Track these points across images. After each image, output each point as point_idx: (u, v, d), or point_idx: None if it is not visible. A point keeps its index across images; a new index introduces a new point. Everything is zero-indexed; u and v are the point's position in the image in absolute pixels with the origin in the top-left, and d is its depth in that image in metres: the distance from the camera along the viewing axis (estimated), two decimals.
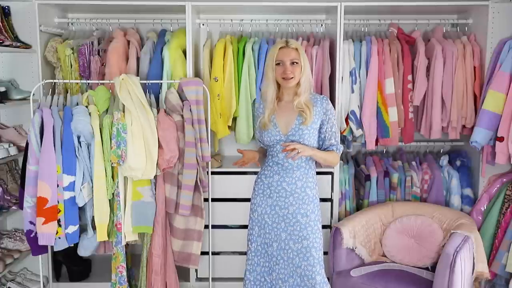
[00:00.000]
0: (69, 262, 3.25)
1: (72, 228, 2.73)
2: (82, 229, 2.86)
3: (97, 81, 3.08)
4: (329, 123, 2.50)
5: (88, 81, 3.07)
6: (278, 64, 2.42)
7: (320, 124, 2.50)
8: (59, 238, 2.71)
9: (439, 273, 2.54)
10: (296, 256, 2.49)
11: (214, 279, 3.19)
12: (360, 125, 3.12)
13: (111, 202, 2.83)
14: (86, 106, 2.80)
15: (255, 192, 2.60)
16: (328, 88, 3.10)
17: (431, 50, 3.13)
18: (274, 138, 2.48)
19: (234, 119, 3.26)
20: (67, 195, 2.68)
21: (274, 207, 2.52)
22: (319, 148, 2.54)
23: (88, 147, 2.76)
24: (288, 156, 2.37)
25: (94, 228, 2.83)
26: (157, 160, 2.80)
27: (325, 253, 3.16)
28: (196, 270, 3.22)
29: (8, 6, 3.12)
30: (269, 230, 2.54)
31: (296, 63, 2.41)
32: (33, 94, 2.92)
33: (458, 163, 3.32)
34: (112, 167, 2.77)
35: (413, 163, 3.34)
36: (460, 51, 3.11)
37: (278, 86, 2.51)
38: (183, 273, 3.17)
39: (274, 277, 2.55)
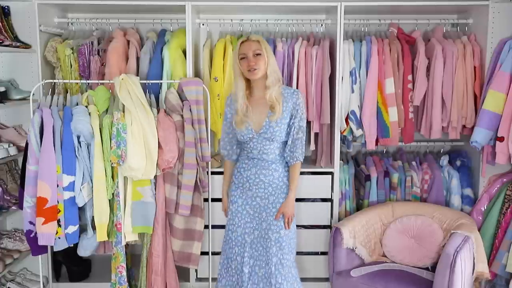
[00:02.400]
0: (69, 262, 3.25)
1: (72, 228, 2.73)
2: (82, 229, 2.86)
3: (97, 81, 3.08)
4: (297, 117, 2.53)
5: (88, 81, 3.07)
6: (242, 58, 2.46)
7: (290, 117, 2.53)
8: (59, 238, 2.71)
9: (439, 273, 2.53)
10: (274, 246, 2.53)
11: (214, 279, 3.18)
12: (360, 125, 3.12)
13: (111, 202, 2.83)
14: (86, 106, 2.80)
15: (235, 185, 2.65)
16: (328, 88, 3.10)
17: (431, 50, 3.13)
18: (247, 136, 2.52)
19: None
20: (67, 195, 2.68)
21: (255, 198, 2.59)
22: (286, 141, 2.57)
23: (88, 147, 2.76)
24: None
25: (94, 228, 2.83)
26: (157, 160, 2.80)
27: (325, 253, 3.17)
28: (196, 270, 3.22)
29: (8, 6, 3.12)
30: (250, 219, 2.60)
31: (259, 54, 2.44)
32: (33, 94, 2.92)
33: (458, 163, 3.31)
34: (112, 167, 2.77)
35: (413, 163, 3.34)
36: (460, 51, 3.11)
37: (248, 83, 2.53)
38: (183, 273, 3.17)
39: (251, 265, 2.60)
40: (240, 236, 2.63)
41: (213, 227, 3.14)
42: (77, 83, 3.17)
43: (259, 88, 2.52)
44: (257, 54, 2.44)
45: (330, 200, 3.20)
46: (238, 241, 2.63)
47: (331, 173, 3.17)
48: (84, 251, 2.88)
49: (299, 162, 2.57)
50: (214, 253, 3.18)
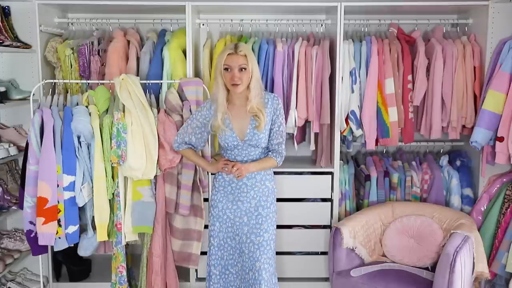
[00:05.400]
0: (69, 262, 3.25)
1: (72, 228, 2.73)
2: (82, 229, 2.87)
3: (97, 81, 3.08)
4: (276, 122, 2.53)
5: (88, 81, 3.08)
6: (226, 69, 2.42)
7: (271, 123, 2.53)
8: (59, 238, 2.72)
9: (439, 273, 2.54)
10: (257, 250, 2.51)
11: None
12: (360, 125, 3.12)
13: (111, 202, 2.83)
14: (86, 106, 2.81)
15: (216, 189, 2.62)
16: (328, 88, 3.10)
17: (431, 50, 3.13)
18: (232, 143, 2.49)
19: None
20: (67, 195, 2.69)
21: (236, 202, 2.56)
22: (266, 147, 2.56)
23: (88, 147, 2.76)
24: (236, 176, 2.46)
25: (94, 228, 2.83)
26: (159, 160, 2.81)
27: (325, 253, 3.18)
28: (196, 270, 3.22)
29: (8, 6, 3.12)
30: (231, 224, 2.58)
31: (245, 69, 2.41)
32: (33, 94, 2.92)
33: (458, 163, 3.32)
34: (112, 167, 2.77)
35: (413, 163, 3.34)
36: (460, 51, 3.11)
37: (228, 90, 2.50)
38: (183, 273, 3.17)
39: (239, 268, 2.59)
40: (222, 241, 2.60)
41: None
42: (77, 83, 3.17)
43: (240, 97, 2.50)
44: (243, 69, 2.41)
45: (330, 200, 3.20)
46: (221, 245, 2.60)
47: (331, 173, 3.17)
48: (84, 251, 2.88)
49: (275, 161, 2.53)
50: None
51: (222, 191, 2.59)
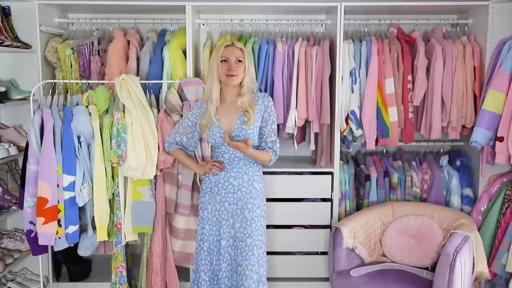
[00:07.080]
0: (69, 262, 3.25)
1: (72, 228, 2.73)
2: (82, 229, 2.87)
3: (97, 81, 3.08)
4: (268, 120, 2.52)
5: (88, 81, 3.08)
6: (223, 61, 2.45)
7: (261, 120, 2.52)
8: (59, 238, 2.72)
9: (439, 273, 2.54)
10: (239, 255, 2.51)
11: None
12: (360, 125, 3.12)
13: (111, 202, 2.83)
14: (86, 106, 2.81)
15: (203, 191, 2.61)
16: (328, 88, 3.10)
17: (431, 50, 3.13)
18: (219, 139, 2.48)
19: None
20: (67, 195, 2.69)
21: (223, 203, 2.54)
22: (257, 146, 2.54)
23: (88, 147, 2.76)
24: (234, 145, 2.37)
25: (94, 228, 2.83)
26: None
27: (325, 253, 3.18)
28: None
29: (8, 6, 3.12)
30: (219, 227, 2.57)
31: (241, 61, 2.45)
32: (33, 94, 2.92)
33: (458, 163, 3.32)
34: (112, 167, 2.77)
35: (413, 163, 3.34)
36: (460, 51, 3.11)
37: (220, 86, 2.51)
38: (183, 273, 3.17)
39: (222, 274, 2.57)
40: (212, 244, 2.58)
41: None
42: (77, 83, 3.17)
43: (230, 93, 2.50)
44: (239, 61, 2.44)
45: (330, 200, 3.20)
46: (211, 249, 2.59)
47: (331, 173, 3.17)
48: (84, 251, 2.88)
49: (270, 156, 2.49)
50: None
51: (209, 192, 2.58)
